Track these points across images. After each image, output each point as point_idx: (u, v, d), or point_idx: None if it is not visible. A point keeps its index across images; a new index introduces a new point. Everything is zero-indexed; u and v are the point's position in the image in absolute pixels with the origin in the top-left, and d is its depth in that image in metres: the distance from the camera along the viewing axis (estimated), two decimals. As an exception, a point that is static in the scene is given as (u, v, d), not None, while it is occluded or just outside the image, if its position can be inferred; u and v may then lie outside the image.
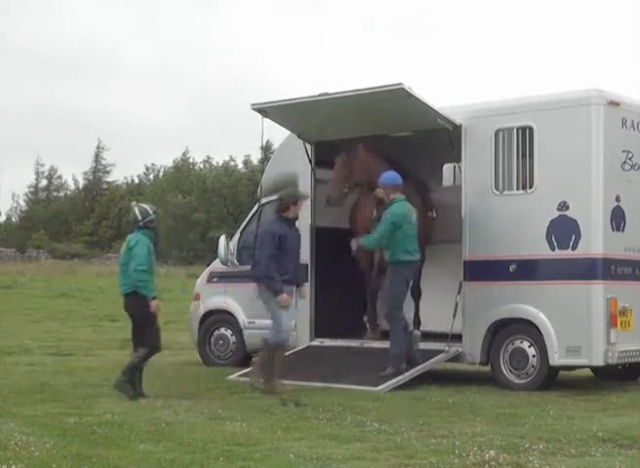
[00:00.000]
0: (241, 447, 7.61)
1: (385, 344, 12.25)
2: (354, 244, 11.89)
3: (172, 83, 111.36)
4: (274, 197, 12.19)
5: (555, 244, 11.38)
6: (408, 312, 12.11)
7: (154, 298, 10.60)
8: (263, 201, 13.79)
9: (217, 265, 14.51)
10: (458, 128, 12.07)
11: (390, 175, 11.76)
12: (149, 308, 10.57)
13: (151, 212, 10.88)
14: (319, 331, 13.16)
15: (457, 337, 11.99)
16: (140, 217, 10.79)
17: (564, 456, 7.32)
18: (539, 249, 11.48)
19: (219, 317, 14.51)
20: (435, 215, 13.20)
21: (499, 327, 11.79)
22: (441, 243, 13.30)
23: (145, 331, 10.66)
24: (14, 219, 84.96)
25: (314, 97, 12.44)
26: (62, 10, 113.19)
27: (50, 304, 28.28)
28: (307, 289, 12.71)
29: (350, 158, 12.63)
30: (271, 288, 11.12)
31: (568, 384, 11.97)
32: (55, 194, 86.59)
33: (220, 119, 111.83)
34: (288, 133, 13.67)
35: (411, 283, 11.99)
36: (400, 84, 11.55)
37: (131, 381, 10.57)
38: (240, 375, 12.32)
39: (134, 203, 11.16)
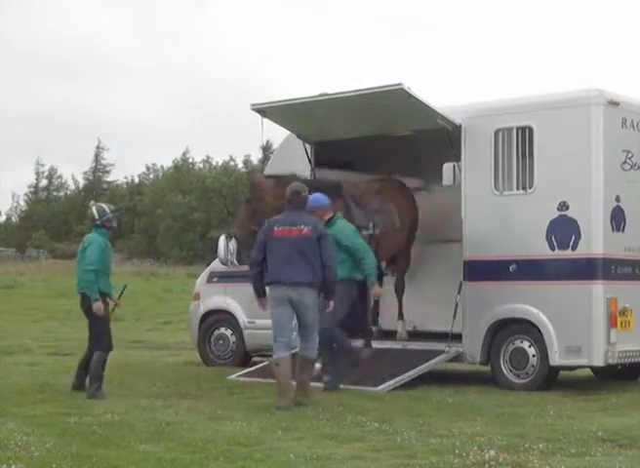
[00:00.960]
0: (241, 447, 7.60)
1: (384, 345, 12.49)
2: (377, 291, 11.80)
3: (172, 83, 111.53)
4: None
5: (555, 244, 11.37)
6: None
7: (97, 300, 10.53)
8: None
9: (217, 265, 14.49)
10: (457, 128, 12.06)
11: (316, 198, 10.99)
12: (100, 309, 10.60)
13: (108, 210, 10.92)
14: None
15: (457, 337, 11.99)
16: (96, 216, 10.81)
17: (564, 456, 7.32)
18: (539, 249, 11.47)
19: (219, 317, 14.51)
20: (377, 231, 12.49)
21: (499, 327, 11.78)
22: (441, 243, 13.31)
23: (95, 332, 10.69)
24: (14, 219, 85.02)
25: (314, 97, 12.43)
26: (62, 10, 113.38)
27: (50, 304, 28.29)
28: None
29: (254, 196, 12.01)
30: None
31: (568, 384, 11.97)
32: (55, 194, 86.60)
33: (220, 119, 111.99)
34: (288, 133, 13.67)
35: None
36: (400, 84, 11.54)
37: (80, 378, 10.78)
38: (240, 375, 12.33)
39: (92, 202, 11.21)
